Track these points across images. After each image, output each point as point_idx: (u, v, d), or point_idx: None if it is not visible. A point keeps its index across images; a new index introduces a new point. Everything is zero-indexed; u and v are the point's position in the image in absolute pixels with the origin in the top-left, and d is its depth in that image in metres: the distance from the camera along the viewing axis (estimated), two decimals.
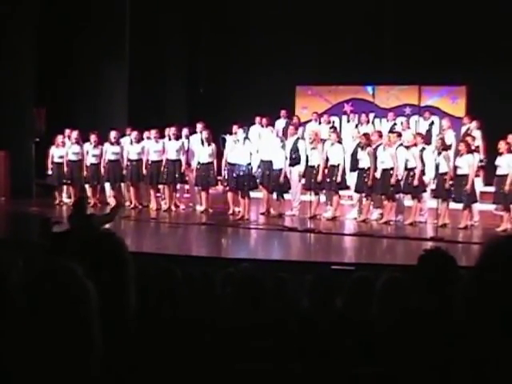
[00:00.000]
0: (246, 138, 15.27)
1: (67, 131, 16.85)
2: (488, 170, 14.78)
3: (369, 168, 14.38)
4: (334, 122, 18.71)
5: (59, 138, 16.79)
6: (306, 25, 20.22)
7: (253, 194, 15.38)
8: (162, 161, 15.95)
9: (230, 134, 15.41)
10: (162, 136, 16.13)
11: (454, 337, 2.55)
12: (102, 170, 16.45)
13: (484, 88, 17.92)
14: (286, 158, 15.03)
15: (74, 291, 2.06)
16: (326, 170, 14.72)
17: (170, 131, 16.04)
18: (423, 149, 14.25)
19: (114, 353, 2.30)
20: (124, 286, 2.70)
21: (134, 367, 2.48)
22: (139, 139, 16.36)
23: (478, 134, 15.86)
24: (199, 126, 16.15)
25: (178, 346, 3.79)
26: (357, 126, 17.45)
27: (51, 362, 1.98)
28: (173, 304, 4.35)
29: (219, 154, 15.66)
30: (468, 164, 13.57)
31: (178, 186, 16.62)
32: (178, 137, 16.05)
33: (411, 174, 14.02)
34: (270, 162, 15.01)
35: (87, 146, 16.63)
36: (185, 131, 16.27)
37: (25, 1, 17.95)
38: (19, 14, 17.65)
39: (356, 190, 14.88)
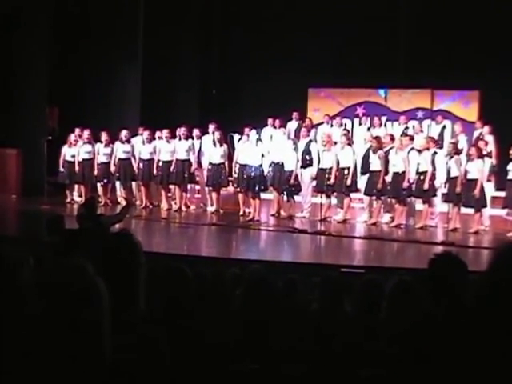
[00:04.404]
0: (259, 139, 15.32)
1: (77, 130, 16.86)
2: (500, 174, 14.74)
3: (379, 171, 14.37)
4: (345, 125, 18.71)
5: (72, 137, 16.81)
6: (320, 27, 20.22)
7: (263, 196, 15.39)
8: (173, 161, 15.96)
9: (239, 133, 15.47)
10: (173, 136, 16.13)
11: (463, 340, 2.55)
12: (113, 168, 16.47)
13: (496, 93, 17.88)
14: (298, 160, 15.03)
15: (85, 289, 2.07)
16: (337, 173, 14.73)
17: (180, 131, 16.03)
18: (435, 153, 14.21)
19: (121, 350, 2.31)
20: (135, 287, 2.71)
21: (142, 366, 2.48)
22: (151, 139, 16.38)
23: (490, 138, 15.82)
24: (211, 127, 16.19)
25: (188, 346, 3.79)
26: (369, 129, 17.45)
27: (61, 358, 1.99)
28: (183, 305, 4.35)
29: (230, 155, 15.69)
30: (478, 169, 13.54)
31: (189, 187, 16.65)
32: (187, 137, 16.06)
33: (422, 177, 13.99)
34: (282, 163, 15.02)
35: (98, 145, 16.64)
36: (195, 131, 16.29)
37: (38, 0, 18.01)
38: (33, 13, 17.70)
39: (366, 193, 14.86)
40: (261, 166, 14.95)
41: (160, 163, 16.11)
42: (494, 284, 2.13)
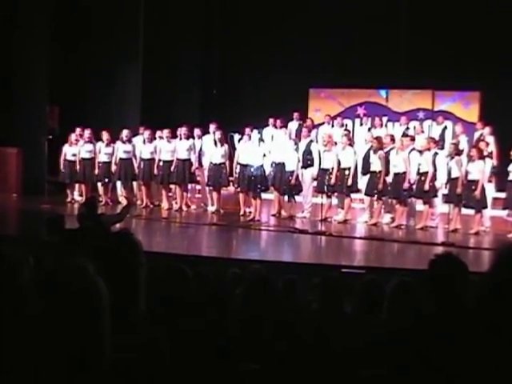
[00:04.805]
0: (261, 139, 15.34)
1: (78, 130, 16.87)
2: (500, 175, 14.73)
3: (380, 172, 14.36)
4: (346, 125, 18.71)
5: (73, 137, 16.83)
6: (320, 27, 20.21)
7: (264, 196, 15.39)
8: (173, 161, 15.96)
9: (240, 133, 15.49)
10: (174, 136, 16.14)
11: (463, 340, 2.54)
12: (114, 168, 16.47)
13: (497, 94, 17.88)
14: (299, 161, 15.02)
15: (85, 289, 2.07)
16: (338, 173, 14.72)
17: (181, 131, 16.04)
18: (436, 153, 14.21)
19: (121, 350, 2.31)
20: (135, 287, 2.71)
21: (143, 366, 2.48)
22: (152, 139, 16.38)
23: (491, 139, 15.81)
24: (212, 127, 16.19)
25: (188, 345, 3.79)
26: (370, 130, 17.46)
27: (61, 358, 1.99)
28: (184, 304, 4.35)
29: (230, 154, 15.70)
30: (479, 170, 13.53)
31: (190, 186, 16.65)
32: (188, 136, 16.06)
33: (422, 178, 13.99)
34: (283, 163, 15.01)
35: (99, 145, 16.66)
36: (196, 131, 16.30)
37: (38, 0, 18.01)
38: (32, 13, 17.70)
39: (366, 194, 14.86)
40: (262, 166, 14.95)
41: (161, 163, 16.12)
42: (494, 285, 2.13)
